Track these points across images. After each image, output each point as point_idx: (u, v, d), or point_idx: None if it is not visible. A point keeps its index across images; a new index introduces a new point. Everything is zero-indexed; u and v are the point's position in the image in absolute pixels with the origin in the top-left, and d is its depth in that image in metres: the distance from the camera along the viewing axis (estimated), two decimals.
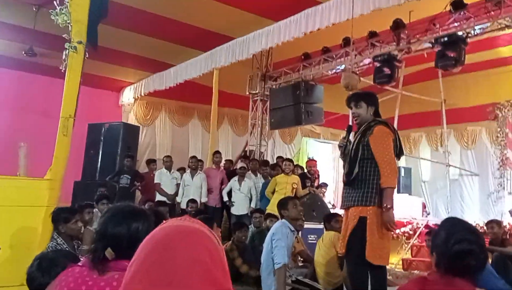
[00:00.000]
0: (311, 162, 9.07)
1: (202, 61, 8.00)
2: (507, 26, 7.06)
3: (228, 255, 5.23)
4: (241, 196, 7.69)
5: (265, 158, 10.06)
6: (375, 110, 3.59)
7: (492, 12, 6.96)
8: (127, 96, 10.28)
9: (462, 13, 7.24)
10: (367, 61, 8.73)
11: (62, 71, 5.20)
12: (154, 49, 9.15)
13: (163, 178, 7.93)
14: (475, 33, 7.34)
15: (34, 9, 7.52)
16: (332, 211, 7.03)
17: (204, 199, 7.76)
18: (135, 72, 9.97)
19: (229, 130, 11.45)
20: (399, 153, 3.54)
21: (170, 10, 7.78)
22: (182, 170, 8.30)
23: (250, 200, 7.72)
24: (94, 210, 5.62)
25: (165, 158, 8.26)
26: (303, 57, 9.87)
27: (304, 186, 7.41)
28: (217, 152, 8.51)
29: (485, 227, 5.78)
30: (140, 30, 8.37)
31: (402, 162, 11.59)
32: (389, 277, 5.33)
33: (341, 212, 4.35)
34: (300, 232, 5.70)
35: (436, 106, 10.19)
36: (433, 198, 11.55)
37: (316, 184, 8.37)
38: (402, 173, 11.02)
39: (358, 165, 3.43)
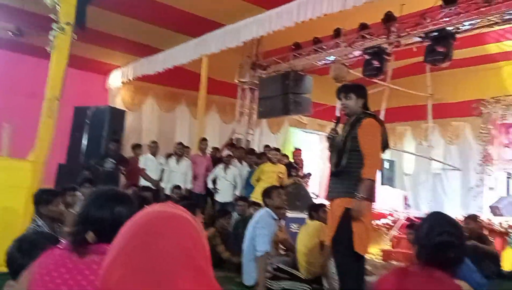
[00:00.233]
0: (297, 151, 9.11)
1: (192, 47, 7.93)
2: (496, 23, 7.12)
3: (211, 242, 5.26)
4: (226, 184, 7.71)
5: (251, 147, 10.07)
6: (364, 103, 3.61)
7: (482, 9, 7.01)
8: (115, 79, 10.15)
9: (452, 8, 7.29)
10: (357, 53, 8.74)
11: (49, 51, 5.14)
12: (143, 33, 9.04)
13: (148, 163, 7.90)
14: (465, 29, 7.40)
15: None
16: (315, 201, 7.09)
17: (189, 186, 7.76)
18: (123, 56, 9.84)
19: (216, 117, 11.40)
20: (385, 147, 3.58)
21: None
22: (170, 156, 8.28)
23: (235, 187, 7.75)
24: (77, 193, 5.57)
25: (151, 143, 8.22)
26: (293, 47, 9.84)
27: (289, 176, 7.46)
28: (204, 139, 8.50)
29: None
30: (129, 13, 8.26)
31: (386, 155, 11.69)
32: (368, 267, 5.43)
33: (325, 202, 4.38)
34: (283, 221, 5.76)
35: (422, 101, 10.27)
36: (415, 191, 11.69)
37: (300, 173, 8.42)
38: (386, 166, 11.13)
39: (346, 157, 3.46)
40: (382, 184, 10.40)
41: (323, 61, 9.57)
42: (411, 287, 1.77)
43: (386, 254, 7.46)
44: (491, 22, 7.13)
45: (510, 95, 10.27)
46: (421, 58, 7.85)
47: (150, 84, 10.37)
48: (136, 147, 8.60)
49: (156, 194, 7.37)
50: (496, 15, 6.94)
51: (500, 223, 6.72)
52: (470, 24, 7.29)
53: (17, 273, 1.73)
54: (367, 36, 8.48)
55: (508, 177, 9.41)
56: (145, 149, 8.44)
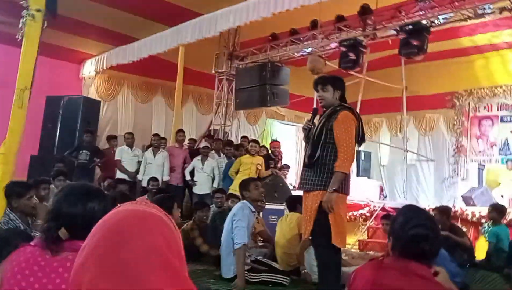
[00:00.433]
0: (275, 143, 9.13)
1: (168, 36, 7.81)
2: (469, 17, 7.25)
3: (189, 235, 5.23)
4: (204, 176, 7.67)
5: (229, 138, 10.04)
6: (341, 95, 3.60)
7: (456, 3, 7.13)
8: (88, 69, 9.94)
9: (427, 2, 7.38)
10: (333, 45, 8.78)
11: (19, 40, 4.99)
12: (118, 21, 8.86)
13: (124, 155, 7.78)
14: (439, 23, 7.51)
15: None
16: (294, 192, 7.13)
17: (166, 178, 7.69)
18: (97, 44, 9.63)
19: (193, 108, 11.29)
20: (361, 140, 3.58)
21: None
22: (148, 148, 8.16)
23: (213, 180, 7.72)
24: (51, 186, 5.46)
25: (126, 135, 8.09)
26: (270, 37, 9.82)
27: (267, 167, 7.47)
28: (181, 130, 8.42)
29: None
30: (103, 0, 8.08)
31: (362, 146, 11.83)
32: (345, 258, 5.50)
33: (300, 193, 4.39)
34: (261, 213, 5.77)
35: (397, 93, 10.41)
36: (391, 181, 11.91)
37: (279, 165, 8.44)
38: (362, 157, 11.28)
39: (320, 149, 3.45)
40: (358, 175, 10.54)
41: (300, 53, 9.59)
42: (386, 280, 1.78)
43: (362, 244, 7.58)
44: (465, 16, 7.26)
45: (482, 88, 10.51)
46: (396, 51, 7.95)
47: (125, 73, 10.20)
48: (112, 138, 8.45)
49: (133, 187, 7.29)
50: (470, 10, 7.07)
51: (473, 213, 6.88)
52: (444, 18, 7.42)
53: None
54: (343, 28, 8.53)
55: (480, 168, 9.64)
56: (121, 140, 8.31)
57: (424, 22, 7.45)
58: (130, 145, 7.90)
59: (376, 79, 10.10)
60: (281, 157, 8.93)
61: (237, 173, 7.18)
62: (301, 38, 9.29)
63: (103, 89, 10.19)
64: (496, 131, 10.49)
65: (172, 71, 9.04)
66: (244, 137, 9.62)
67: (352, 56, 8.18)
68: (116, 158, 7.73)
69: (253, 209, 4.47)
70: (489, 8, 6.99)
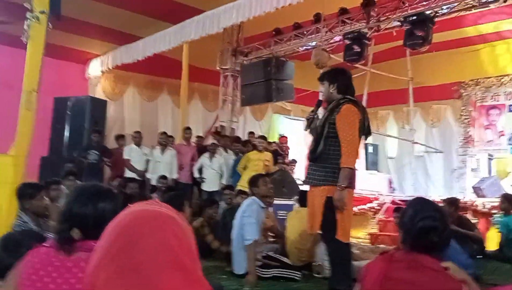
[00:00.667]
0: (283, 138, 9.14)
1: (172, 34, 7.82)
2: (473, 6, 7.19)
3: (199, 232, 5.25)
4: (212, 173, 7.70)
5: (236, 135, 10.05)
6: (340, 88, 3.56)
7: None
8: (94, 68, 9.97)
9: None
10: (337, 38, 8.75)
11: (24, 42, 5.01)
12: (122, 21, 8.88)
13: (133, 154, 7.81)
14: (443, 13, 7.45)
15: None
16: (301, 187, 7.13)
17: (175, 176, 7.72)
18: (102, 44, 9.65)
19: (199, 105, 11.30)
20: (367, 132, 3.56)
21: None
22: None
23: (221, 176, 7.74)
24: (61, 186, 5.50)
25: (134, 134, 8.12)
26: (274, 32, 9.80)
27: (276, 163, 7.48)
28: (188, 128, 8.44)
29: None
30: (107, 0, 8.10)
31: (369, 139, 11.80)
32: (356, 251, 5.50)
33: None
34: (270, 208, 5.78)
35: (403, 84, 10.36)
36: (399, 174, 11.86)
37: (286, 160, 8.45)
38: (370, 150, 11.25)
39: (323, 143, 3.45)
40: (367, 168, 10.51)
41: (304, 47, 9.56)
42: (398, 273, 1.79)
43: (373, 238, 7.57)
44: (469, 5, 7.21)
45: (489, 77, 10.43)
46: (401, 42, 7.90)
47: (131, 72, 10.22)
48: (120, 137, 8.49)
49: (142, 185, 7.32)
50: None
51: (484, 204, 6.85)
52: (448, 8, 7.36)
53: (4, 273, 1.70)
54: (347, 21, 8.49)
55: (489, 158, 9.57)
56: (129, 139, 8.34)
57: (428, 12, 7.39)
58: (138, 144, 7.93)
59: (381, 71, 10.05)
60: (288, 152, 8.94)
61: (244, 169, 7.19)
62: (305, 32, 9.27)
63: (109, 88, 10.22)
64: (504, 121, 10.40)
65: (177, 69, 9.05)
66: (251, 133, 9.64)
67: (356, 48, 8.15)
68: (125, 157, 7.77)
69: (263, 205, 4.48)
70: None
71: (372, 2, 8.00)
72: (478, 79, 10.62)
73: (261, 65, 9.69)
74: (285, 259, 4.63)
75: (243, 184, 6.46)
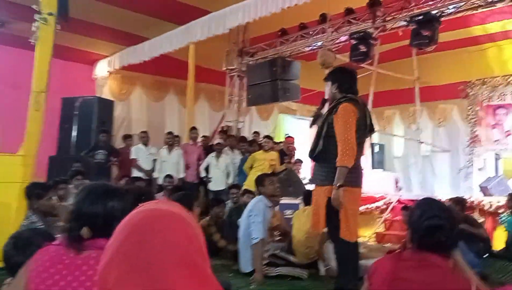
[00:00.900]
0: (289, 139, 9.15)
1: (178, 35, 7.86)
2: (480, 6, 7.16)
3: (206, 231, 5.29)
4: (219, 172, 7.72)
5: (242, 135, 10.07)
6: (341, 87, 3.58)
7: None
8: (101, 69, 10.04)
9: None
10: (343, 38, 8.75)
11: (32, 43, 5.07)
12: (128, 22, 8.94)
13: (140, 154, 7.87)
14: (449, 12, 7.42)
15: None
16: (307, 187, 7.14)
17: (181, 175, 7.76)
18: (109, 45, 9.72)
19: (206, 105, 11.33)
20: (369, 130, 3.57)
21: None
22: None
23: (228, 176, 7.76)
24: (69, 186, 5.55)
25: (141, 134, 8.17)
26: (280, 33, 9.81)
27: (282, 163, 7.50)
28: (194, 128, 8.48)
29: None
30: (113, 1, 8.15)
31: (376, 139, 11.80)
32: (362, 250, 5.49)
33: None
34: (277, 207, 5.80)
35: (410, 84, 10.33)
36: (406, 173, 11.82)
37: (292, 161, 8.46)
38: (376, 149, 11.23)
39: (322, 142, 3.48)
40: (373, 167, 10.49)
41: (310, 47, 9.56)
42: (406, 272, 1.80)
43: (379, 237, 7.56)
44: (475, 4, 7.18)
45: (496, 77, 10.37)
46: (407, 42, 7.89)
47: (138, 73, 10.28)
48: (127, 137, 8.55)
49: (149, 185, 7.36)
50: None
51: (491, 203, 6.82)
52: (454, 7, 7.33)
53: (14, 270, 1.72)
54: (353, 21, 8.48)
55: (496, 158, 9.52)
56: (136, 139, 8.39)
57: (434, 12, 7.37)
58: (145, 144, 7.99)
59: (387, 71, 10.03)
60: (294, 153, 8.94)
61: (251, 169, 7.22)
62: (311, 32, 9.27)
63: (116, 89, 10.29)
64: (511, 120, 10.35)
65: (183, 69, 9.09)
66: (255, 132, 9.65)
67: (362, 48, 8.14)
68: (132, 157, 7.82)
69: (269, 204, 4.51)
70: None
71: (378, 2, 7.99)
72: (484, 78, 10.56)
73: (267, 65, 9.70)
74: (291, 258, 4.65)
75: (249, 184, 6.48)
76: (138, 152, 7.87)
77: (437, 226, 1.81)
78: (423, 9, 7.50)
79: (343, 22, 8.60)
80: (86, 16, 8.21)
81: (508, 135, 10.35)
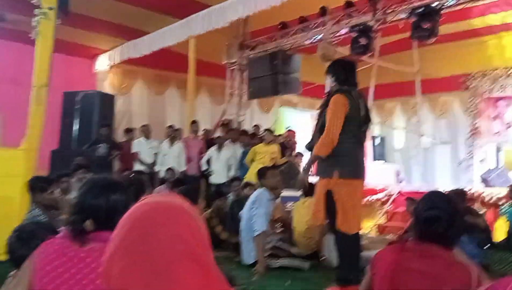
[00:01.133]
0: (291, 132, 9.16)
1: (178, 28, 7.84)
2: None
3: (208, 223, 5.32)
4: (220, 165, 7.75)
5: (243, 128, 10.08)
6: (338, 79, 3.60)
7: None
8: (102, 63, 10.04)
9: None
10: (343, 31, 8.72)
11: (33, 38, 5.07)
12: (129, 16, 8.92)
13: (141, 147, 7.89)
14: (449, 4, 7.40)
15: None
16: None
17: (182, 168, 7.79)
18: (109, 39, 9.71)
19: (206, 99, 11.33)
20: (364, 121, 3.52)
21: None
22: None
23: (229, 169, 7.79)
24: (72, 179, 5.58)
25: (142, 127, 8.19)
26: (280, 26, 9.79)
27: (283, 156, 7.52)
28: (194, 121, 8.49)
29: None
30: None
31: (377, 131, 11.80)
32: (364, 242, 5.53)
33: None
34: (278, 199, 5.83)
35: (410, 77, 10.31)
36: (406, 165, 11.83)
37: (293, 154, 8.49)
38: (377, 142, 11.24)
39: (319, 135, 3.52)
40: (374, 159, 10.51)
41: (311, 40, 9.54)
42: (409, 262, 1.82)
43: (380, 228, 7.60)
44: None
45: (496, 69, 10.35)
46: (407, 34, 7.86)
47: (138, 67, 10.27)
48: (129, 131, 8.57)
49: (151, 178, 7.39)
50: None
51: (491, 195, 6.84)
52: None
53: (18, 263, 1.74)
54: (353, 13, 8.45)
55: (497, 150, 9.52)
56: (137, 133, 8.42)
57: (434, 4, 7.34)
58: (147, 137, 8.01)
59: (388, 64, 10.01)
60: (296, 146, 8.96)
61: (252, 162, 7.24)
62: (311, 25, 9.24)
63: (117, 83, 10.29)
64: None
65: (184, 63, 9.09)
66: (255, 126, 9.67)
67: (363, 41, 8.11)
68: (134, 150, 7.86)
69: (271, 197, 4.54)
70: None
71: None
72: (485, 70, 10.54)
73: (267, 58, 9.69)
74: (293, 249, 4.69)
75: (250, 177, 6.51)
76: (139, 145, 7.89)
77: (435, 217, 1.83)
78: (423, 2, 7.47)
79: (343, 15, 8.57)
80: (87, 10, 8.21)
81: (509, 127, 10.35)
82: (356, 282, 2.86)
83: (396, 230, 7.18)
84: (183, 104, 10.55)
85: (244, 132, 8.78)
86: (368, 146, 9.42)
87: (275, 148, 7.44)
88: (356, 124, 3.48)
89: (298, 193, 6.14)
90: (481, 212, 6.24)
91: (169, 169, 7.31)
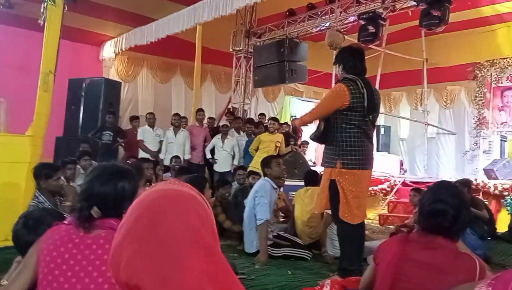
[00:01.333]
0: None
1: (185, 15, 7.80)
2: None
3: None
4: (224, 154, 7.76)
5: (248, 116, 10.07)
6: (345, 67, 3.57)
7: None
8: (108, 50, 10.03)
9: None
10: (352, 18, 8.63)
11: (41, 25, 5.07)
12: (136, 2, 8.88)
13: (146, 135, 7.91)
14: None
15: None
16: (313, 168, 7.17)
17: (187, 156, 7.80)
18: (116, 26, 9.69)
19: (212, 87, 11.33)
20: (368, 110, 3.43)
21: None
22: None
23: (233, 157, 7.80)
24: (76, 166, 5.62)
25: (148, 115, 8.20)
26: (287, 13, 9.71)
27: (288, 145, 7.51)
28: (200, 109, 8.49)
29: None
30: None
31: (382, 121, 11.76)
32: (366, 232, 5.54)
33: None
34: (281, 188, 5.84)
35: (417, 65, 10.24)
36: (411, 156, 11.81)
37: (299, 142, 8.48)
38: (382, 132, 11.20)
39: (324, 124, 3.56)
40: (378, 150, 10.49)
41: (318, 28, 9.47)
42: (413, 253, 1.82)
43: (383, 219, 7.61)
44: None
45: (505, 58, 10.24)
46: (415, 22, 7.77)
47: (144, 54, 10.27)
48: (134, 119, 8.57)
49: (155, 166, 7.41)
50: None
51: (495, 186, 6.83)
52: None
53: (24, 249, 1.76)
54: (361, 1, 8.36)
55: (502, 140, 9.46)
56: (142, 120, 8.43)
57: None
58: (152, 125, 8.02)
59: (396, 52, 9.94)
60: (301, 134, 8.95)
61: (256, 150, 7.25)
62: (319, 13, 9.16)
63: (123, 70, 10.31)
64: None
65: (190, 51, 9.06)
66: (261, 114, 9.65)
67: (371, 29, 8.03)
68: (139, 138, 7.87)
69: (275, 186, 4.55)
70: None
71: None
72: (493, 60, 10.45)
73: (274, 46, 9.63)
74: (295, 239, 4.71)
75: (255, 165, 6.52)
76: (144, 133, 7.91)
77: (440, 211, 1.82)
78: None
79: (351, 2, 8.48)
80: None
81: None
82: (358, 273, 2.87)
83: (398, 220, 7.19)
84: (189, 92, 10.54)
85: (250, 121, 8.77)
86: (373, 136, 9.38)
87: (279, 137, 7.43)
88: (360, 114, 3.42)
89: (302, 183, 6.15)
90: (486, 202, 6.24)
91: (175, 156, 7.34)
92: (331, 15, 8.80)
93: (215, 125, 9.05)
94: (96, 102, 8.54)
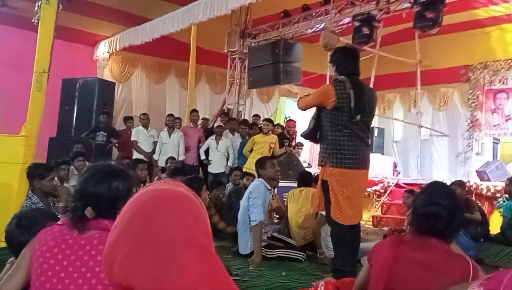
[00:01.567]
0: (291, 122, 9.14)
1: (180, 16, 7.79)
2: None
3: None
4: (218, 155, 7.76)
5: (243, 117, 10.07)
6: (338, 68, 3.61)
7: None
8: (102, 50, 9.99)
9: None
10: (346, 20, 8.65)
11: (35, 24, 5.05)
12: (130, 2, 8.86)
13: (140, 136, 7.89)
14: None
15: None
16: (307, 170, 7.18)
17: (181, 157, 7.79)
18: (110, 26, 9.65)
19: (206, 88, 11.31)
20: (355, 111, 3.40)
21: None
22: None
23: (227, 159, 7.80)
24: (70, 167, 5.59)
25: (141, 116, 8.18)
26: (282, 14, 9.72)
27: (282, 146, 7.52)
28: (194, 110, 8.48)
29: None
30: None
31: (375, 123, 11.78)
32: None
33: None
34: (275, 189, 5.84)
35: (411, 67, 10.28)
36: (404, 157, 11.85)
37: (293, 144, 8.48)
38: (375, 133, 11.23)
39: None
40: (372, 152, 10.51)
41: (313, 29, 9.47)
42: (407, 254, 1.83)
43: (376, 220, 7.63)
44: None
45: (498, 60, 10.30)
46: (409, 24, 7.81)
47: (139, 54, 10.24)
48: (128, 119, 8.56)
49: (149, 167, 7.39)
50: None
51: (488, 188, 6.87)
52: None
53: (17, 250, 1.75)
54: (356, 2, 8.39)
55: (494, 142, 9.52)
56: (136, 121, 8.41)
57: None
58: (146, 126, 8.01)
59: (389, 54, 9.97)
60: (296, 136, 8.96)
61: (251, 152, 7.25)
62: (314, 14, 9.17)
63: (117, 70, 10.26)
64: (511, 105, 10.33)
65: (184, 51, 9.05)
66: (256, 115, 9.65)
67: (365, 31, 8.04)
68: (132, 139, 7.86)
69: (269, 187, 4.54)
70: None
71: None
72: (486, 62, 10.51)
73: (269, 47, 9.62)
74: (289, 240, 4.71)
75: (249, 167, 6.52)
76: (138, 134, 7.89)
77: (434, 213, 1.83)
78: None
79: (346, 4, 8.50)
80: None
81: (508, 119, 10.34)
82: (352, 274, 2.87)
83: (391, 222, 7.21)
84: (183, 93, 10.53)
85: (244, 122, 8.77)
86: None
87: (274, 138, 7.43)
88: (346, 115, 3.41)
89: (296, 184, 6.16)
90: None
91: (170, 157, 7.32)
92: (326, 16, 8.81)
93: (209, 126, 9.03)
94: (90, 102, 8.50)
